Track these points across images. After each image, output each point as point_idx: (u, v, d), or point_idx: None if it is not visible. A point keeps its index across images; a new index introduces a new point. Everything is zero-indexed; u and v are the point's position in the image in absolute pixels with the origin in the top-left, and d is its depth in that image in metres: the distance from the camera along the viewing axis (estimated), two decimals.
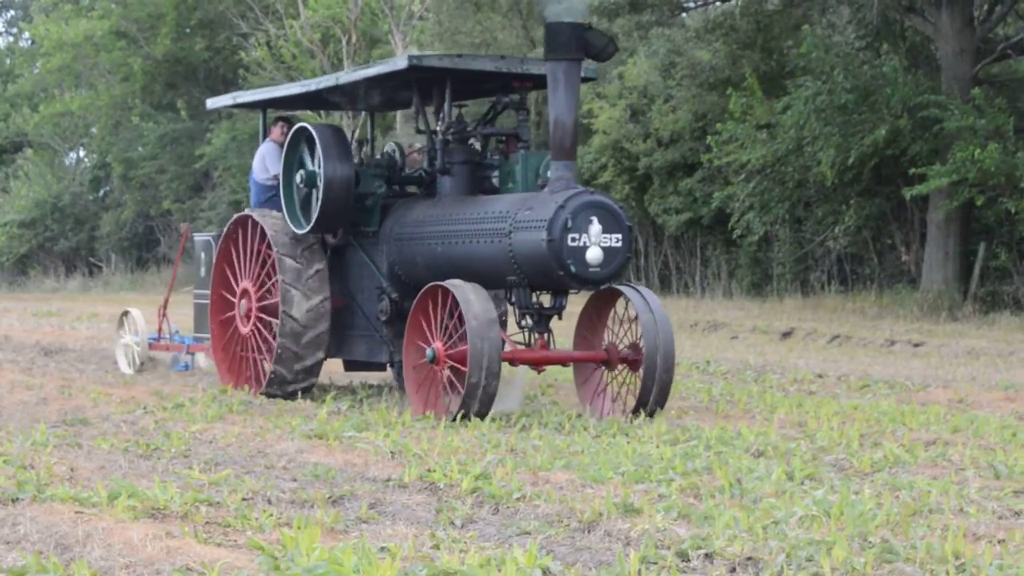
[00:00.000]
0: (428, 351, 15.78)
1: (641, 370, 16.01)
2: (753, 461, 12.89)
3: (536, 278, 15.95)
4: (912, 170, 33.55)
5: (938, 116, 32.97)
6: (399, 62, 17.15)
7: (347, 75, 18.43)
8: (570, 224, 15.32)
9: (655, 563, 8.82)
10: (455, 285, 15.59)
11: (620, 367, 16.55)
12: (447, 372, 15.78)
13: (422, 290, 16.15)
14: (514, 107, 17.50)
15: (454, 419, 15.20)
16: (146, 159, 66.32)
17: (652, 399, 15.91)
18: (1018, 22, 37.90)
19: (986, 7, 36.73)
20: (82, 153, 75.52)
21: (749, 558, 8.97)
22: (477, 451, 13.55)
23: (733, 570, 8.75)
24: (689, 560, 9.00)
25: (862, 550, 9.13)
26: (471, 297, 15.42)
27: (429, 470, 12.18)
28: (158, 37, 64.56)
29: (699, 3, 42.55)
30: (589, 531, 9.98)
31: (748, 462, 12.81)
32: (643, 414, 15.81)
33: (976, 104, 32.60)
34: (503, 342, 15.80)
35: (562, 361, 17.23)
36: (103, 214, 69.33)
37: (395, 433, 14.59)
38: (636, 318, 16.16)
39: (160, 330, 22.51)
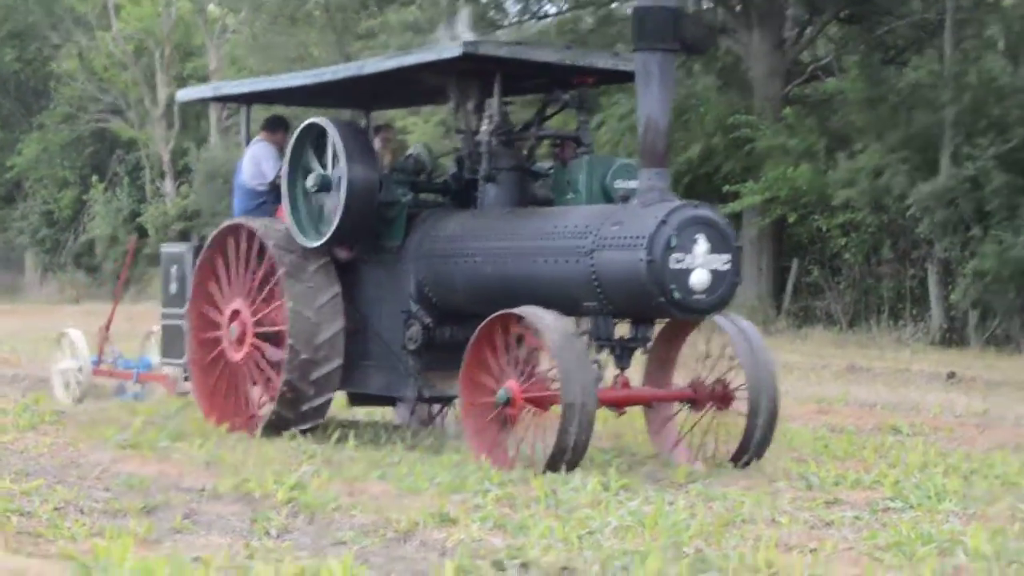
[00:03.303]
0: (501, 392, 13.05)
1: (726, 411, 13.93)
2: (569, 472, 12.95)
3: (624, 305, 13.28)
4: (726, 188, 34.03)
5: (750, 135, 33.45)
6: (451, 49, 14.17)
7: (375, 64, 15.35)
8: (674, 243, 12.71)
9: (470, 573, 8.81)
10: (533, 314, 12.98)
11: (708, 406, 14.02)
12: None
13: (489, 317, 13.28)
14: (574, 106, 14.97)
15: (544, 471, 12.59)
16: None
17: (754, 445, 13.67)
18: (828, 44, 38.57)
19: (796, 30, 37.36)
20: None
21: (564, 568, 8.99)
22: (292, 461, 13.48)
23: None
24: (505, 570, 8.99)
25: (676, 560, 9.18)
26: (557, 330, 12.78)
27: (244, 480, 12.08)
28: None
29: (514, 21, 42.81)
30: (405, 541, 9.96)
31: (563, 473, 12.88)
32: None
33: (787, 123, 33.14)
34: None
35: (647, 400, 14.32)
36: None
37: (210, 443, 14.48)
38: (727, 353, 13.95)
39: (101, 353, 19.97)
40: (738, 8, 38.76)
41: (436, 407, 16.72)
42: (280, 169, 16.16)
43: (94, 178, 61.37)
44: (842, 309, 36.61)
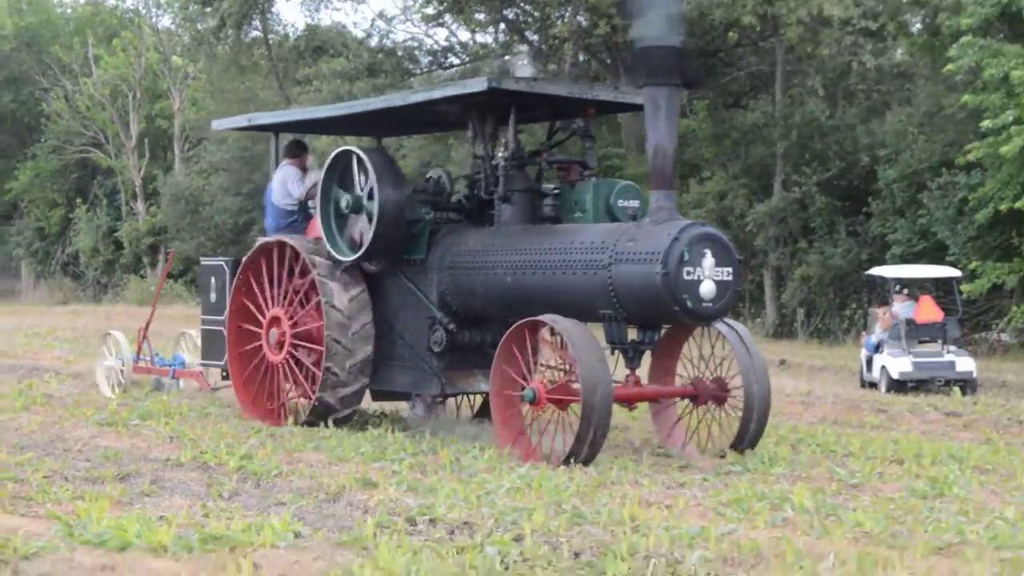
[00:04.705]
0: (527, 391, 12.37)
1: (727, 407, 13.35)
2: (470, 444, 12.95)
3: (638, 312, 12.57)
4: None
5: (620, 164, 33.52)
6: (477, 84, 13.38)
7: (403, 97, 14.57)
8: (686, 257, 12.05)
9: (388, 528, 8.78)
10: (558, 322, 12.36)
11: (708, 403, 13.38)
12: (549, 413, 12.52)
13: (516, 323, 12.62)
14: (580, 134, 14.32)
15: (565, 462, 11.82)
16: None
17: (748, 437, 13.02)
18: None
19: None
20: None
21: (465, 522, 8.99)
22: (242, 436, 13.40)
23: (452, 532, 8.74)
24: (416, 524, 8.98)
25: (557, 515, 9.21)
26: (578, 336, 12.12)
27: (202, 452, 12.03)
28: None
29: (424, 70, 42.78)
30: (334, 501, 9.92)
31: (465, 445, 12.87)
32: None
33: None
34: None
35: (654, 397, 13.59)
36: None
37: (173, 422, 14.37)
38: (725, 354, 13.42)
39: (139, 351, 18.63)
40: (608, 60, 38.90)
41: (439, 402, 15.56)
42: (304, 188, 15.65)
43: (78, 200, 60.99)
44: None
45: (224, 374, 16.25)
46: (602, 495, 10.17)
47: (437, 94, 14.00)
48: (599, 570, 7.67)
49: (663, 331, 13.32)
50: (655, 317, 12.68)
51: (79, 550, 7.91)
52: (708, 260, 12.15)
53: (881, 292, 24.76)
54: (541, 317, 12.48)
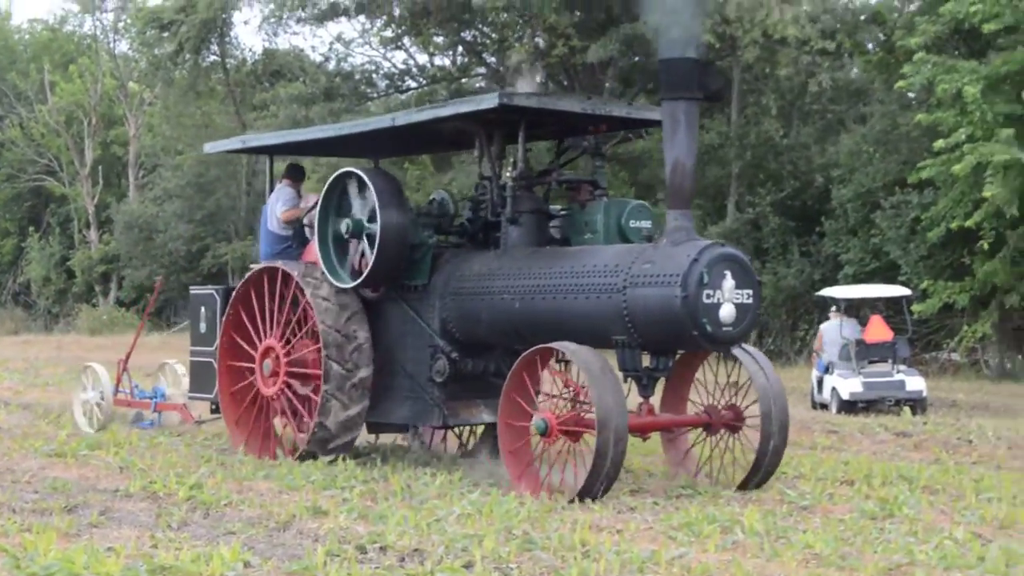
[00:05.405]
0: (539, 421, 11.67)
1: (740, 435, 12.81)
2: (421, 470, 12.93)
3: (654, 337, 11.90)
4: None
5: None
6: (488, 100, 12.65)
7: (407, 116, 13.78)
8: (706, 279, 11.43)
9: (338, 556, 8.77)
10: (570, 350, 11.70)
11: (721, 432, 12.84)
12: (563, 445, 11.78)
13: (528, 351, 11.92)
14: (592, 152, 13.73)
15: (577, 499, 11.21)
16: None
17: (765, 467, 12.39)
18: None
19: (616, 95, 37.61)
20: None
21: (416, 549, 8.98)
22: (192, 465, 13.32)
23: (402, 560, 8.74)
24: (367, 552, 8.97)
25: (507, 541, 9.22)
26: (595, 364, 11.47)
27: (151, 481, 11.94)
28: None
29: (382, 93, 42.81)
30: (284, 530, 9.88)
31: (417, 471, 12.86)
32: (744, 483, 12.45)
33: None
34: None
35: (668, 426, 12.98)
36: None
37: (123, 451, 14.27)
38: (746, 382, 12.83)
39: (118, 383, 17.80)
40: (565, 82, 39.00)
41: (439, 434, 15.20)
42: (290, 208, 14.92)
43: (31, 228, 60.70)
44: None
45: (213, 407, 15.49)
46: (553, 520, 10.17)
47: (445, 112, 13.31)
48: None
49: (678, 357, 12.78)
50: (672, 342, 12.08)
51: None
52: (728, 282, 11.56)
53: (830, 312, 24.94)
54: (555, 344, 11.84)
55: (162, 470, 12.79)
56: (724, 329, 11.56)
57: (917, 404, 22.05)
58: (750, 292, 11.72)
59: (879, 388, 22.28)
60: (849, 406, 22.15)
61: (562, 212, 13.61)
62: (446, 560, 8.61)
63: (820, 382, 23.52)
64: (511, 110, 12.74)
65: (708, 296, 11.46)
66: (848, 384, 22.30)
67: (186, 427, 16.86)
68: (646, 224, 12.91)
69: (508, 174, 13.39)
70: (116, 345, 36.92)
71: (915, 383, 22.41)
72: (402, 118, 13.69)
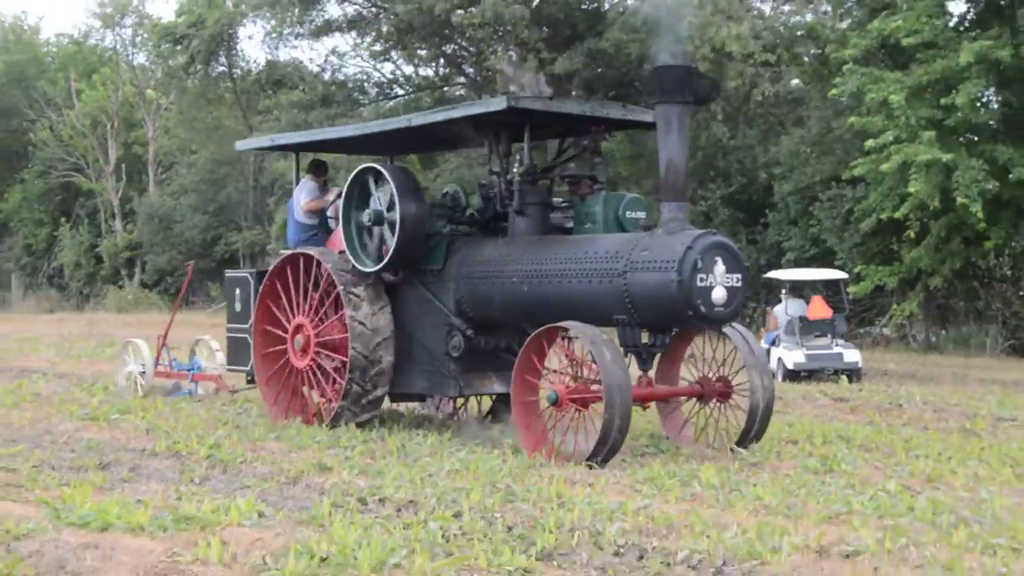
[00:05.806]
0: (550, 393, 11.64)
1: (729, 403, 12.64)
2: (414, 432, 12.95)
3: (652, 317, 11.86)
4: None
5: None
6: (498, 103, 12.64)
7: (423, 117, 13.68)
8: (699, 265, 11.40)
9: (341, 507, 8.79)
10: (579, 328, 11.56)
11: (713, 401, 12.66)
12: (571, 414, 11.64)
13: (538, 330, 11.80)
14: (591, 150, 13.69)
15: (588, 463, 11.01)
16: None
17: (754, 433, 12.29)
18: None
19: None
20: None
21: (411, 501, 9.00)
22: (211, 427, 13.33)
23: (399, 510, 8.76)
24: (367, 504, 8.99)
25: (492, 494, 9.24)
26: (600, 341, 11.35)
27: (175, 442, 11.95)
28: None
29: (372, 100, 42.68)
30: (294, 484, 9.91)
31: (411, 433, 12.87)
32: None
33: None
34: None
35: (664, 397, 12.83)
36: None
37: (149, 415, 14.27)
38: (727, 355, 12.66)
39: (158, 357, 17.83)
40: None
41: (460, 402, 15.14)
42: (310, 200, 14.86)
43: (62, 219, 60.58)
44: None
45: (249, 378, 15.41)
46: (532, 475, 10.19)
47: (457, 113, 13.17)
48: (529, 541, 7.71)
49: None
50: (669, 321, 12.01)
51: (65, 531, 7.88)
52: (719, 267, 11.53)
53: (777, 293, 24.93)
54: (562, 323, 11.69)
55: (184, 432, 12.79)
56: (716, 309, 11.51)
57: (853, 373, 22.08)
58: (739, 276, 11.68)
59: (820, 359, 22.31)
60: (793, 375, 22.18)
61: (563, 204, 13.55)
62: (438, 510, 8.64)
63: (768, 354, 23.55)
64: (518, 112, 12.70)
65: (701, 280, 11.43)
66: (792, 356, 22.32)
67: (206, 396, 16.82)
68: (641, 215, 12.85)
69: (515, 169, 13.31)
70: (140, 323, 36.95)
71: (851, 355, 22.44)
72: (418, 119, 13.61)
